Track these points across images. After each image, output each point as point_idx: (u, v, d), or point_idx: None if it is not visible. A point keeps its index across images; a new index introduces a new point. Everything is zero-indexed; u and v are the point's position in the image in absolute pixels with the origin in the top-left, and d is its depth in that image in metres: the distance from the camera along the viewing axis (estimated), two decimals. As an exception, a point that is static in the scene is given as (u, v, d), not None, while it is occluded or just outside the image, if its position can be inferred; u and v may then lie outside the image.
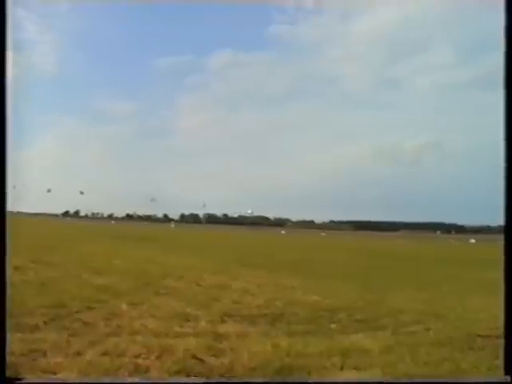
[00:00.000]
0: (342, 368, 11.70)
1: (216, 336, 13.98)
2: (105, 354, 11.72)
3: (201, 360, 11.59)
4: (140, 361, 11.29)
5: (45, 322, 14.42)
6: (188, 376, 10.60)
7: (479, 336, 15.97)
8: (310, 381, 4.36)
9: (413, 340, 14.99)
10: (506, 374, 4.40)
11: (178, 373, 10.65)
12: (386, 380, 4.61)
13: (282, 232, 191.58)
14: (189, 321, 15.75)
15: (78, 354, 11.62)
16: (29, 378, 7.14)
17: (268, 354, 12.45)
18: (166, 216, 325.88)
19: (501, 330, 17.24)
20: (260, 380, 9.94)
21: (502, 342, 15.47)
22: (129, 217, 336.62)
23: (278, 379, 10.71)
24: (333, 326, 16.54)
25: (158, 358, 11.59)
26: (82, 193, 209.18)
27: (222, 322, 16.08)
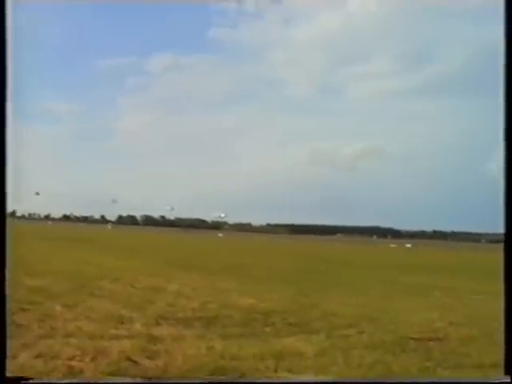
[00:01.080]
0: (275, 370, 11.82)
1: (151, 338, 13.98)
2: (38, 356, 11.63)
3: (135, 362, 11.60)
4: (74, 363, 11.23)
5: (-24, 324, 14.23)
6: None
7: (412, 339, 16.27)
8: (309, 381, 4.44)
9: (346, 343, 15.20)
10: (506, 373, 4.54)
11: (111, 375, 10.64)
12: (386, 380, 4.72)
13: (219, 235, 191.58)
14: (124, 323, 15.71)
15: (11, 356, 11.50)
16: (34, 378, 7.08)
17: (202, 356, 12.51)
18: (103, 217, 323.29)
19: (432, 333, 17.64)
20: (258, 380, 9.99)
21: (433, 344, 15.87)
22: (66, 218, 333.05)
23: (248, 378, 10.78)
24: (267, 329, 16.65)
25: (92, 359, 11.55)
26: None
27: (157, 324, 16.08)
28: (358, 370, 12.39)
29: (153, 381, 10.64)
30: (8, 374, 5.42)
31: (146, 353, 12.45)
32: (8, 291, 6.35)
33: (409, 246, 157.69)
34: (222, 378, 10.35)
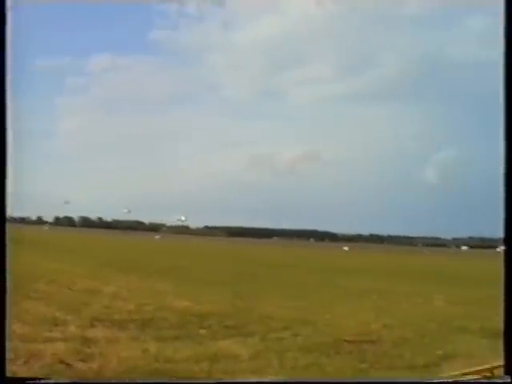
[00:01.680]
0: (210, 373, 11.82)
1: (85, 341, 13.86)
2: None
3: (68, 365, 11.48)
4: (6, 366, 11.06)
5: None
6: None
7: (346, 341, 16.43)
8: (307, 380, 4.44)
9: (281, 346, 15.27)
10: (506, 373, 4.57)
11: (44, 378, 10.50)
12: (386, 380, 4.72)
13: (157, 237, 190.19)
14: (58, 325, 15.53)
15: None
16: (41, 379, 6.94)
17: (137, 359, 12.45)
18: (39, 218, 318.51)
19: (367, 336, 17.83)
20: (254, 380, 9.92)
21: (367, 346, 16.05)
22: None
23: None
24: (203, 331, 16.64)
25: (25, 363, 11.39)
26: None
27: (92, 326, 15.94)
28: (292, 372, 12.47)
29: (153, 381, 10.56)
30: (8, 375, 5.36)
31: (80, 355, 12.34)
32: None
33: (346, 249, 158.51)
34: (221, 379, 10.35)
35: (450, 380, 4.52)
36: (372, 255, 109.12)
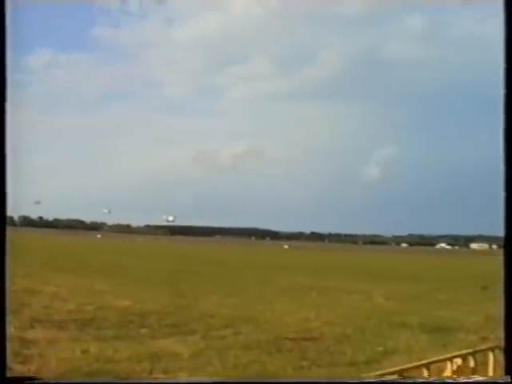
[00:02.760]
0: (151, 372, 11.76)
1: (24, 342, 13.65)
2: None
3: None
4: None
5: None
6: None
7: (287, 339, 16.48)
8: (308, 381, 4.39)
9: (222, 344, 15.26)
10: (506, 374, 4.56)
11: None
12: (385, 380, 4.68)
13: (98, 236, 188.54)
14: (-5, 327, 15.27)
15: None
16: (39, 378, 6.74)
17: (77, 359, 12.32)
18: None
19: (308, 333, 17.90)
20: (259, 380, 9.82)
21: (308, 343, 16.13)
22: None
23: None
24: (143, 330, 16.54)
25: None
26: None
27: (31, 327, 15.73)
28: (233, 371, 12.46)
29: (154, 381, 10.41)
30: (8, 375, 5.23)
31: (19, 358, 12.14)
32: None
33: (286, 247, 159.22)
34: (222, 379, 10.26)
35: (450, 380, 4.54)
36: (312, 253, 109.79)
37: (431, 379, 4.98)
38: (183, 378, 11.44)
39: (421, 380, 4.60)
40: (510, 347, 4.41)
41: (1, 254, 4.94)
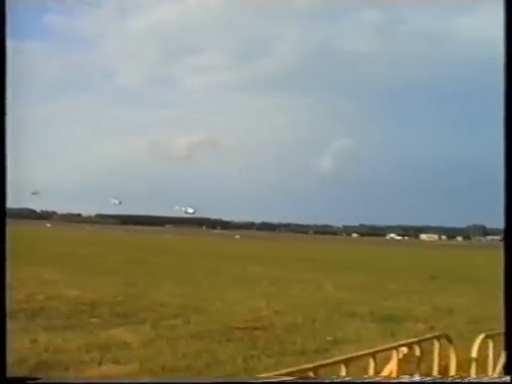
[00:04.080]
0: (100, 363, 11.72)
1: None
2: None
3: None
4: None
5: None
6: None
7: (237, 328, 16.55)
8: (309, 381, 4.37)
9: (172, 333, 15.27)
10: (506, 374, 4.56)
11: None
12: (385, 380, 4.70)
13: (48, 225, 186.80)
14: None
15: None
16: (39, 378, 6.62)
17: (25, 350, 12.21)
18: None
19: (258, 322, 17.97)
20: (261, 380, 9.78)
21: (258, 333, 16.21)
22: None
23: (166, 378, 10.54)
24: (93, 320, 16.46)
25: None
26: None
27: (-22, 317, 15.54)
28: (183, 360, 12.48)
29: (154, 381, 10.31)
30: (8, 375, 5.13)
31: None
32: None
33: (238, 236, 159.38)
34: (223, 378, 10.24)
35: (450, 380, 4.59)
36: (263, 243, 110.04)
37: (428, 379, 5.04)
38: (133, 368, 11.44)
39: (421, 380, 4.66)
40: (510, 347, 4.45)
41: (1, 251, 4.93)
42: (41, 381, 5.14)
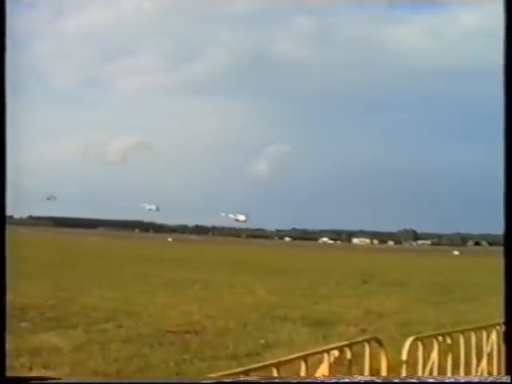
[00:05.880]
0: (30, 368, 11.59)
1: None
2: None
3: None
4: None
5: None
6: None
7: (169, 332, 16.55)
8: (310, 380, 4.35)
9: (104, 337, 15.18)
10: (507, 374, 4.57)
11: None
12: (384, 380, 4.68)
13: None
14: None
15: None
16: (33, 379, 6.42)
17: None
18: None
19: (190, 326, 17.95)
20: (256, 379, 9.62)
21: (190, 336, 16.20)
22: None
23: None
24: (24, 324, 16.24)
25: None
26: None
27: None
28: (115, 364, 12.43)
29: (153, 381, 10.11)
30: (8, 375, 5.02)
31: None
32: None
33: (170, 240, 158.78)
34: (223, 378, 10.11)
35: (450, 380, 4.62)
36: (196, 246, 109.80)
37: (423, 378, 5.09)
38: (64, 372, 11.34)
39: (420, 380, 4.70)
40: (510, 347, 4.52)
41: (1, 254, 4.89)
42: (40, 381, 5.10)
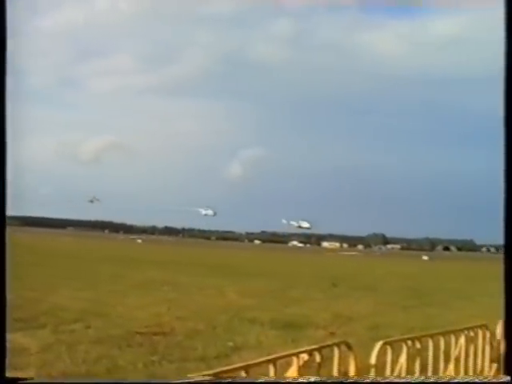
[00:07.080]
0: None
1: None
2: None
3: None
4: None
5: None
6: None
7: (138, 333, 16.48)
8: (311, 380, 4.31)
9: (72, 338, 15.09)
10: (507, 374, 4.56)
11: None
12: (383, 380, 4.63)
13: None
14: None
15: None
16: (33, 379, 6.32)
17: None
18: None
19: (159, 328, 17.90)
20: (259, 380, 9.51)
21: (159, 338, 16.15)
22: None
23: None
24: (-10, 324, 16.11)
25: None
26: None
27: None
28: (83, 366, 12.36)
29: (153, 381, 10.00)
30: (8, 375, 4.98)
31: None
32: None
33: (139, 241, 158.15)
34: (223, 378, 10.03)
35: (449, 380, 4.61)
36: (166, 248, 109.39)
37: (430, 379, 5.08)
38: (32, 373, 11.23)
39: (420, 380, 4.67)
40: (510, 347, 4.53)
41: (1, 254, 4.89)
42: (40, 381, 5.06)
